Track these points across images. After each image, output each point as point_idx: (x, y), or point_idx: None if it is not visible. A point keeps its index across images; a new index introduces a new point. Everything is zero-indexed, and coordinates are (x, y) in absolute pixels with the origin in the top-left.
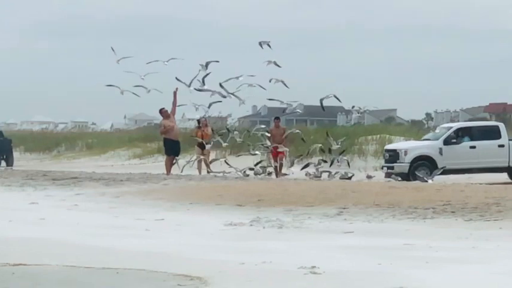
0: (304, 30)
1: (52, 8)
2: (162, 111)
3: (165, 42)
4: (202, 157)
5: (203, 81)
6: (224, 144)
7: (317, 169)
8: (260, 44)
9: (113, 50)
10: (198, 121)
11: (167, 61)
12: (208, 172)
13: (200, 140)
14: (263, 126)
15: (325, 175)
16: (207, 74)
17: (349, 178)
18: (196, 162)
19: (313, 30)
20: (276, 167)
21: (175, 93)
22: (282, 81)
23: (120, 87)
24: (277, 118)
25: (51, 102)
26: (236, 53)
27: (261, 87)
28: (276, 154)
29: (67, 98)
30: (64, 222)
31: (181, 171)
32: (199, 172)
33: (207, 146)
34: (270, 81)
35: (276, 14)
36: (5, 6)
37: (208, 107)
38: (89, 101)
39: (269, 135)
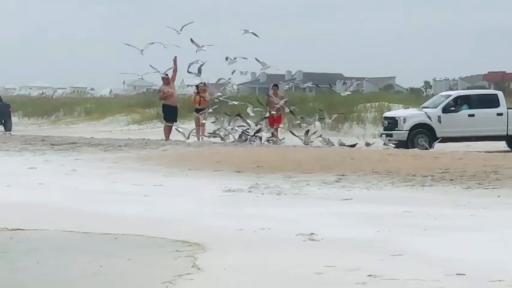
0: None
1: None
2: (163, 77)
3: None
4: (203, 122)
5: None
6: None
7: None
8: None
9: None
10: (197, 86)
11: (180, 30)
12: (206, 136)
13: (197, 106)
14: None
15: (317, 142)
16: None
17: (353, 146)
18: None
19: None
20: (272, 133)
21: (175, 61)
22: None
23: (138, 47)
24: (275, 85)
25: (50, 68)
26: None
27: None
28: (272, 122)
29: (66, 64)
30: (62, 188)
31: (188, 137)
32: (198, 138)
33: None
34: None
35: None
36: None
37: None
38: (88, 66)
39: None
